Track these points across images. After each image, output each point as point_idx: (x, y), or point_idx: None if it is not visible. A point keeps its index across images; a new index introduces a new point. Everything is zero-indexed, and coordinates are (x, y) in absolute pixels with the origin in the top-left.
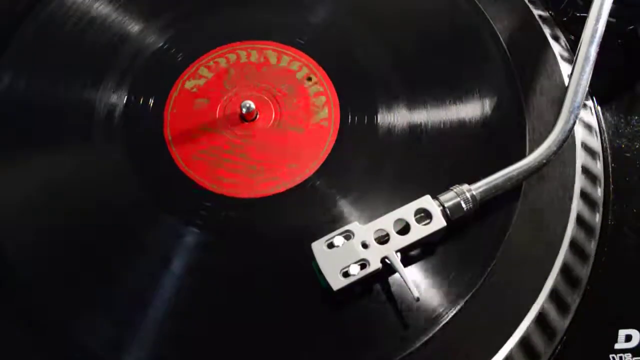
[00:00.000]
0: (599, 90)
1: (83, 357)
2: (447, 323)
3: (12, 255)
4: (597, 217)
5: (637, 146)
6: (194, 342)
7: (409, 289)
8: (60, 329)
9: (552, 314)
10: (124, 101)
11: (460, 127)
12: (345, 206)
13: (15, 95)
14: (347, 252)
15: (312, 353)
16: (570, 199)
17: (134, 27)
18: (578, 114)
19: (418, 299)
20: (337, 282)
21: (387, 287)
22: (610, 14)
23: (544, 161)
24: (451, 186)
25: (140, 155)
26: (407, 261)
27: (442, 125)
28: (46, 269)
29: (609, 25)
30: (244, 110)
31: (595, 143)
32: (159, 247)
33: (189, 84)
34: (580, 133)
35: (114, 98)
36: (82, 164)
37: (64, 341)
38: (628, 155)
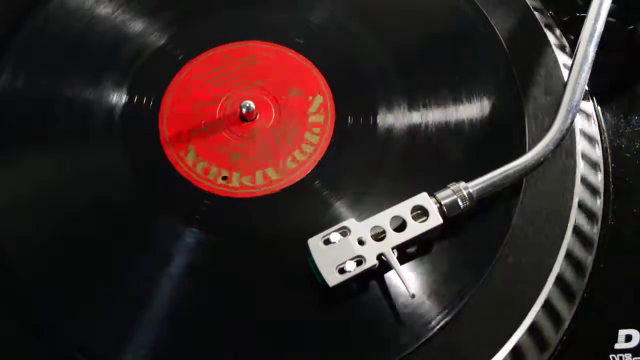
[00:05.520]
0: (599, 90)
1: (83, 357)
2: (445, 322)
3: (12, 255)
4: (598, 216)
5: (637, 146)
6: (193, 342)
7: (405, 286)
8: (60, 329)
9: (552, 314)
10: (123, 101)
11: (460, 126)
12: (343, 204)
13: (14, 95)
14: (343, 248)
15: (310, 352)
16: (571, 197)
17: (134, 27)
18: (576, 112)
19: (414, 296)
20: (333, 279)
21: (383, 284)
22: (610, 14)
23: (542, 159)
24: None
25: (139, 155)
26: (403, 258)
27: (441, 124)
28: (46, 269)
29: (608, 25)
30: (244, 110)
31: (595, 142)
32: (159, 247)
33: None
34: (579, 132)
35: (113, 98)
36: (82, 164)
37: (64, 341)
38: (628, 155)
